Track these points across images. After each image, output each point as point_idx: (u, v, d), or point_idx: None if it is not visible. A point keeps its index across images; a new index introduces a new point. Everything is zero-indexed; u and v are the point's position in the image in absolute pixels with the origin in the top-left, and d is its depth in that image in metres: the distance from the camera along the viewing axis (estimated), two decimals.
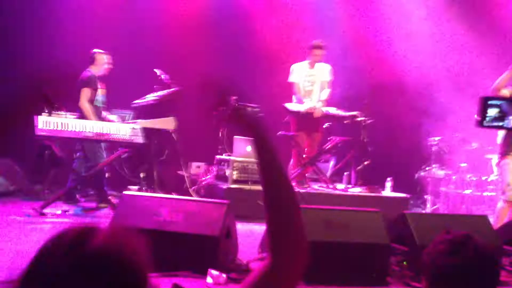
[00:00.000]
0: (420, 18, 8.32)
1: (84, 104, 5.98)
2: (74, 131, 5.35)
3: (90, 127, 5.49)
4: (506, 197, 5.10)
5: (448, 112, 7.74)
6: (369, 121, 6.67)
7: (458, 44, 8.10)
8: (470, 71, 7.91)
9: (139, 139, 5.70)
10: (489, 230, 3.92)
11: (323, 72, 6.81)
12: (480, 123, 1.51)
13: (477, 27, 7.85)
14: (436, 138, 7.40)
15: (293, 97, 6.88)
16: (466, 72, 7.98)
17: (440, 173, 7.41)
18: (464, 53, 8.08)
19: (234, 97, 1.44)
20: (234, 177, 6.17)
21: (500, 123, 1.49)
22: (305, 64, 6.85)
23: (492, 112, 1.56)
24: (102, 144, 6.02)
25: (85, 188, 6.55)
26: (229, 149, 6.61)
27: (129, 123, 5.95)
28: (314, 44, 6.68)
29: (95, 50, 6.22)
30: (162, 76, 6.53)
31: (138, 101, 6.58)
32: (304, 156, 6.67)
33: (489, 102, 1.55)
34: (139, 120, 5.97)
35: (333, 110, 6.72)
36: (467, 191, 7.09)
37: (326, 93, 6.78)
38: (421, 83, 8.07)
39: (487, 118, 1.53)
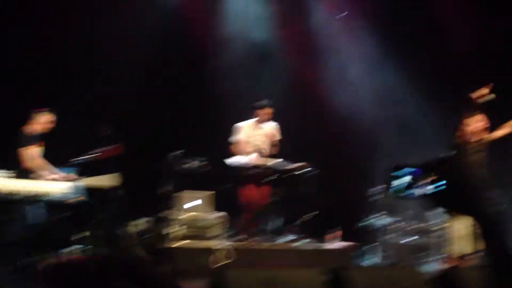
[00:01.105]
0: (361, 69, 8.66)
1: (33, 162, 5.83)
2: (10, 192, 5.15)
3: (29, 187, 5.29)
4: (448, 253, 5.18)
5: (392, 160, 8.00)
6: (315, 172, 6.76)
7: (400, 94, 8.45)
8: (412, 120, 8.25)
9: (82, 198, 5.54)
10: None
11: (272, 130, 6.94)
12: (389, 192, 1.55)
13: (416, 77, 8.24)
14: (379, 187, 7.56)
15: (241, 154, 6.93)
16: (409, 121, 8.30)
17: (388, 220, 7.53)
18: (405, 102, 8.42)
19: None
20: (180, 234, 6.04)
21: (409, 192, 1.54)
22: (251, 123, 6.94)
23: (400, 181, 1.59)
24: (42, 204, 5.78)
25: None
26: (178, 204, 6.50)
27: (70, 181, 5.77)
28: (261, 104, 6.80)
29: (39, 108, 6.11)
30: (107, 131, 6.44)
31: (81, 157, 6.42)
32: (252, 209, 6.66)
33: (397, 173, 1.59)
34: (81, 178, 5.81)
35: (279, 162, 6.80)
36: (413, 239, 7.21)
37: (277, 150, 6.88)
38: (363, 132, 8.33)
39: (396, 188, 1.57)
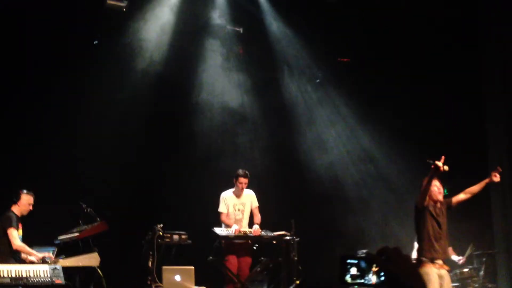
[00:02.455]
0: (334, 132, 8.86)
1: (19, 243, 5.85)
2: None
3: (6, 271, 5.24)
4: None
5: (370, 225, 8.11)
6: (296, 240, 6.77)
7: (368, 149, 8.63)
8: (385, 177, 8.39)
9: (61, 280, 5.49)
10: None
11: (250, 199, 7.01)
12: (341, 282, 1.62)
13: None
14: (364, 250, 7.57)
15: (222, 225, 6.96)
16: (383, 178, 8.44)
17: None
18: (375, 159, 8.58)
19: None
20: None
21: (361, 280, 1.61)
22: (232, 192, 7.02)
23: (352, 270, 1.67)
24: None
25: None
26: (159, 279, 6.43)
27: (49, 263, 5.73)
28: (240, 173, 6.91)
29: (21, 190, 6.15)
30: (87, 209, 6.47)
31: (62, 237, 6.40)
32: (235, 280, 6.60)
33: (348, 261, 1.67)
34: (60, 259, 5.78)
35: (260, 232, 6.81)
36: None
37: (258, 218, 6.93)
38: (338, 194, 8.42)
39: (348, 276, 1.64)
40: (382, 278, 1.58)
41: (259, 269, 6.78)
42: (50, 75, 7.30)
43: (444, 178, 7.63)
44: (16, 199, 6.09)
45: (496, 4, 7.51)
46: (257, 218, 6.95)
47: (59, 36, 7.30)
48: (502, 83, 7.45)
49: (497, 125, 7.52)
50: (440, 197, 5.21)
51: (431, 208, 5.15)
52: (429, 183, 5.06)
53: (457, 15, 7.79)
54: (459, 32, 7.98)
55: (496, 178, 5.24)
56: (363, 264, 1.62)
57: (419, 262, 5.07)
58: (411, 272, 1.56)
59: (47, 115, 7.31)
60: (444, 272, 5.13)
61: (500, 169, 5.22)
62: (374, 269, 1.60)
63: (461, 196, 5.37)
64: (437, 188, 5.20)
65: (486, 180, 5.32)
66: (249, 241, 6.78)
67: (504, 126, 7.37)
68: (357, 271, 1.63)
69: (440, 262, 5.11)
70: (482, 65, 7.80)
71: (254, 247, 6.89)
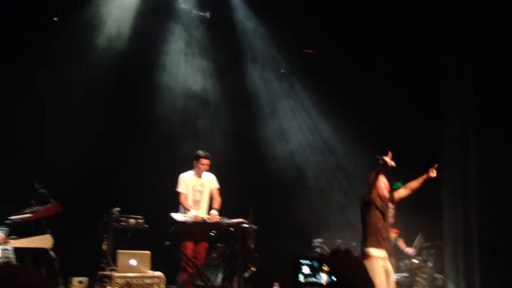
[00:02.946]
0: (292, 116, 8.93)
1: None
2: None
3: None
4: None
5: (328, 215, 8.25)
6: (254, 228, 6.82)
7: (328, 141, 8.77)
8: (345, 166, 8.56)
9: (12, 261, 5.35)
10: None
11: (210, 181, 7.00)
12: (294, 282, 1.68)
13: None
14: (319, 239, 7.72)
15: (180, 207, 6.93)
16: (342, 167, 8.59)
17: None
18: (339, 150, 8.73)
19: None
20: None
21: (314, 280, 1.67)
22: (192, 174, 6.99)
23: (305, 270, 1.73)
24: None
25: None
26: (113, 263, 6.36)
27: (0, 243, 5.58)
28: (200, 155, 6.89)
29: None
30: (41, 190, 6.30)
31: (14, 217, 6.22)
32: (191, 266, 6.60)
33: (301, 261, 1.73)
34: (11, 240, 5.63)
35: (218, 218, 6.82)
36: None
37: (218, 202, 6.94)
38: (299, 185, 8.53)
39: (301, 276, 1.70)
40: (334, 279, 1.63)
41: (215, 255, 6.80)
42: (8, 52, 7.02)
43: (398, 172, 7.95)
44: None
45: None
46: (217, 201, 6.94)
47: (18, 12, 7.03)
48: (459, 81, 7.68)
49: (451, 125, 7.78)
50: (386, 193, 5.35)
51: (377, 201, 5.27)
52: (376, 178, 5.18)
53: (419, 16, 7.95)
54: (420, 28, 8.14)
55: (433, 174, 5.42)
56: (315, 264, 1.68)
57: (364, 254, 5.16)
58: (360, 275, 1.62)
59: (3, 93, 7.05)
60: (389, 265, 5.26)
61: (437, 165, 5.41)
62: (326, 269, 1.66)
63: (402, 192, 5.53)
64: (384, 184, 5.33)
65: (424, 176, 5.48)
66: (207, 228, 6.79)
67: (459, 126, 7.63)
68: (310, 270, 1.69)
69: (384, 254, 5.22)
70: (442, 65, 8.01)
71: (212, 234, 6.91)
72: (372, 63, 8.17)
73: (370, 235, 5.21)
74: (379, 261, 5.15)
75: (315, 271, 1.68)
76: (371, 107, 8.23)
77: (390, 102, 8.10)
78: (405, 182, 7.91)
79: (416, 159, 7.91)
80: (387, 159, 5.13)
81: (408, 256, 7.27)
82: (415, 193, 5.58)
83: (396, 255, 7.30)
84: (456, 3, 7.71)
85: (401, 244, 7.36)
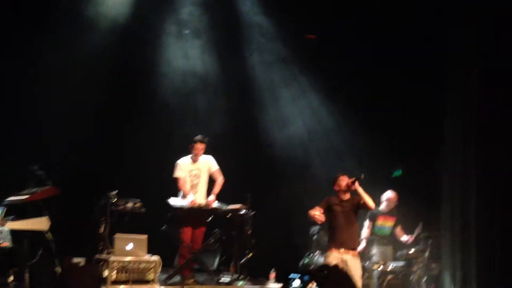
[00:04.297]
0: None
1: None
2: None
3: None
4: None
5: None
6: (251, 214, 6.82)
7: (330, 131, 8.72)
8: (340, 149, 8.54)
9: (8, 242, 5.35)
10: None
11: (208, 164, 6.98)
12: None
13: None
14: (317, 227, 7.70)
15: (180, 192, 6.92)
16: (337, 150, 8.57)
17: (322, 260, 7.66)
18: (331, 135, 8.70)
19: None
20: (113, 278, 5.90)
21: None
22: (188, 159, 6.97)
23: (295, 283, 1.76)
24: None
25: None
26: (110, 246, 6.35)
27: None
28: (196, 139, 6.86)
29: None
30: (38, 172, 6.27)
31: (11, 198, 6.19)
32: (188, 251, 6.62)
33: (292, 276, 1.77)
34: (8, 222, 5.61)
35: (215, 204, 6.82)
36: None
37: (218, 185, 6.90)
38: (296, 169, 8.50)
39: None
40: None
41: (212, 240, 6.80)
42: (5, 32, 6.93)
43: (400, 159, 7.93)
44: None
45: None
46: (218, 183, 6.94)
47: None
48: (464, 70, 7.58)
49: (453, 119, 7.70)
50: (345, 196, 5.94)
51: (336, 205, 5.89)
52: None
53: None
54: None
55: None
56: (305, 278, 1.72)
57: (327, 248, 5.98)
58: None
59: (3, 78, 6.98)
60: (348, 257, 5.76)
61: (363, 177, 5.83)
62: (312, 285, 1.69)
63: (362, 202, 5.93)
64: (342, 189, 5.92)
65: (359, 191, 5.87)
66: (205, 213, 6.78)
67: (461, 121, 7.55)
68: (300, 283, 1.73)
69: (343, 249, 5.79)
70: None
71: (209, 219, 6.90)
72: (374, 52, 8.06)
73: (330, 234, 6.05)
74: (334, 254, 5.83)
75: (305, 284, 1.71)
76: (372, 96, 8.14)
77: (392, 91, 8.01)
78: (404, 170, 7.95)
79: (417, 148, 7.92)
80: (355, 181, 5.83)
81: (405, 245, 7.26)
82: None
83: (393, 243, 7.31)
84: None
85: (399, 233, 7.35)
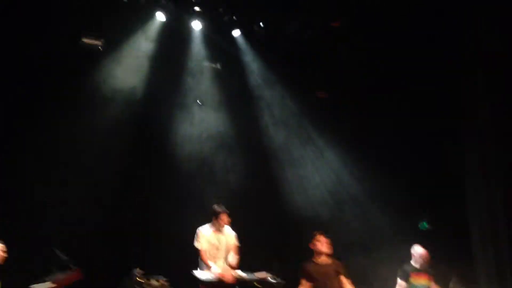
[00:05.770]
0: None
1: None
2: None
3: None
4: None
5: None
6: (282, 282, 6.60)
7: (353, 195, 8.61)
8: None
9: None
10: None
11: (230, 238, 6.85)
12: None
13: None
14: None
15: (200, 262, 6.76)
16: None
17: None
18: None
19: None
20: None
21: None
22: (209, 228, 6.85)
23: None
24: None
25: None
26: None
27: None
28: (218, 210, 6.76)
29: None
30: (61, 256, 6.16)
31: (34, 285, 6.06)
32: None
33: None
34: None
35: (241, 273, 6.64)
36: None
37: (234, 259, 6.75)
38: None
39: None
40: None
41: None
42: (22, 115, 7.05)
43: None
44: None
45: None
46: (234, 259, 6.77)
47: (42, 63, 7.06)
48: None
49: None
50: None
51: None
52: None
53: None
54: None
55: None
56: None
57: None
58: None
59: (20, 151, 7.03)
60: None
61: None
62: None
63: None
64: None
65: None
66: (232, 284, 6.58)
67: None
68: None
69: None
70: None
71: None
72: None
73: None
74: None
75: None
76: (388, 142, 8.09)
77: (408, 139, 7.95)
78: (430, 221, 7.77)
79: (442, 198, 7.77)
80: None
81: None
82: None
83: None
84: None
85: (433, 286, 7.08)
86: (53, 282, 5.88)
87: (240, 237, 6.89)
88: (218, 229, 6.82)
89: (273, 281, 6.49)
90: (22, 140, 7.07)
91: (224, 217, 6.77)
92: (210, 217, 6.84)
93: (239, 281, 6.58)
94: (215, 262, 6.72)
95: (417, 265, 6.98)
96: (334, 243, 8.10)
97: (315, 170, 8.67)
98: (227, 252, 6.83)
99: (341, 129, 8.39)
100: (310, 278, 5.61)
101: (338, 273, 5.66)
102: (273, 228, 8.21)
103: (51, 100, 7.21)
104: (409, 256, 6.98)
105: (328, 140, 8.60)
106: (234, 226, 6.88)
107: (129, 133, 7.80)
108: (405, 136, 7.91)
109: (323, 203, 8.53)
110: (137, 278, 6.30)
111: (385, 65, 8.00)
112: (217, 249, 6.81)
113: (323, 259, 5.70)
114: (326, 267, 5.65)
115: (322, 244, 5.69)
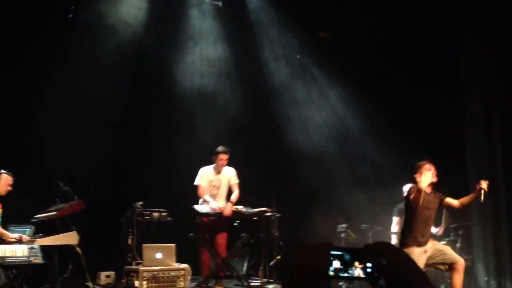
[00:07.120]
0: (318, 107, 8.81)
1: None
2: None
3: None
4: None
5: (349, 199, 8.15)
6: (277, 216, 6.78)
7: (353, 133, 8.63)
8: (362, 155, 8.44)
9: (39, 259, 5.41)
10: None
11: (229, 176, 6.96)
12: (324, 275, 1.52)
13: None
14: (344, 225, 7.63)
15: (199, 200, 6.92)
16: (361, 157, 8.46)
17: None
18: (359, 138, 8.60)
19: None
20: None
21: (345, 274, 1.51)
22: (211, 168, 6.97)
23: (335, 263, 1.55)
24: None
25: None
26: (139, 257, 6.38)
27: (27, 243, 5.62)
28: (219, 150, 6.84)
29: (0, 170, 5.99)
30: (64, 188, 6.34)
31: (39, 216, 6.27)
32: (216, 256, 6.61)
33: (331, 253, 1.54)
34: (38, 238, 5.68)
35: (241, 208, 6.80)
36: None
37: (235, 195, 6.90)
38: (318, 171, 8.44)
39: (331, 270, 1.53)
40: (369, 270, 1.49)
41: (240, 244, 6.78)
42: (22, 51, 7.03)
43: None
44: None
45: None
46: (234, 194, 6.91)
47: (33, 10, 7.03)
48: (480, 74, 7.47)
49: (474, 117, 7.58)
50: (428, 189, 5.35)
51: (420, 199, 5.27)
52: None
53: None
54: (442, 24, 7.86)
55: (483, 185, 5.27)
56: (346, 257, 1.51)
57: (403, 245, 5.28)
58: (414, 272, 1.46)
59: (24, 92, 7.08)
60: (428, 246, 5.35)
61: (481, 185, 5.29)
62: (358, 265, 1.50)
63: (454, 203, 5.51)
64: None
65: (472, 196, 5.46)
66: (229, 217, 6.75)
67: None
68: (341, 264, 1.52)
69: (423, 243, 5.32)
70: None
71: (235, 223, 6.88)
72: (391, 53, 7.96)
73: (411, 230, 5.37)
74: (415, 249, 5.27)
75: (346, 264, 1.52)
76: (392, 95, 8.05)
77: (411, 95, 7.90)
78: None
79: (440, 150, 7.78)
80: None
81: (436, 237, 7.13)
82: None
83: None
84: None
85: None
86: (57, 211, 6.07)
87: (240, 173, 7.00)
88: (217, 169, 6.94)
89: (270, 214, 6.67)
90: (25, 77, 7.08)
91: (222, 156, 6.85)
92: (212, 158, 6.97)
93: (238, 214, 6.77)
94: (215, 200, 6.87)
95: None
96: (333, 180, 8.33)
97: (316, 110, 8.69)
98: (228, 192, 6.98)
99: (344, 69, 8.32)
100: (416, 205, 5.25)
101: (441, 200, 5.41)
102: (273, 164, 8.32)
103: (51, 34, 7.16)
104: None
105: (331, 80, 8.56)
106: (232, 163, 6.99)
107: (130, 69, 7.80)
108: (408, 78, 7.84)
109: (322, 140, 8.60)
110: (139, 210, 6.51)
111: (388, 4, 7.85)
112: (217, 187, 6.96)
113: (429, 189, 5.36)
114: (431, 196, 5.38)
115: (433, 173, 5.27)
